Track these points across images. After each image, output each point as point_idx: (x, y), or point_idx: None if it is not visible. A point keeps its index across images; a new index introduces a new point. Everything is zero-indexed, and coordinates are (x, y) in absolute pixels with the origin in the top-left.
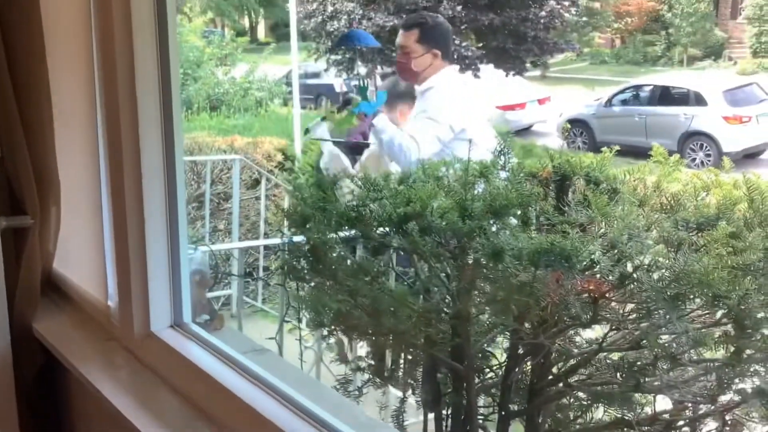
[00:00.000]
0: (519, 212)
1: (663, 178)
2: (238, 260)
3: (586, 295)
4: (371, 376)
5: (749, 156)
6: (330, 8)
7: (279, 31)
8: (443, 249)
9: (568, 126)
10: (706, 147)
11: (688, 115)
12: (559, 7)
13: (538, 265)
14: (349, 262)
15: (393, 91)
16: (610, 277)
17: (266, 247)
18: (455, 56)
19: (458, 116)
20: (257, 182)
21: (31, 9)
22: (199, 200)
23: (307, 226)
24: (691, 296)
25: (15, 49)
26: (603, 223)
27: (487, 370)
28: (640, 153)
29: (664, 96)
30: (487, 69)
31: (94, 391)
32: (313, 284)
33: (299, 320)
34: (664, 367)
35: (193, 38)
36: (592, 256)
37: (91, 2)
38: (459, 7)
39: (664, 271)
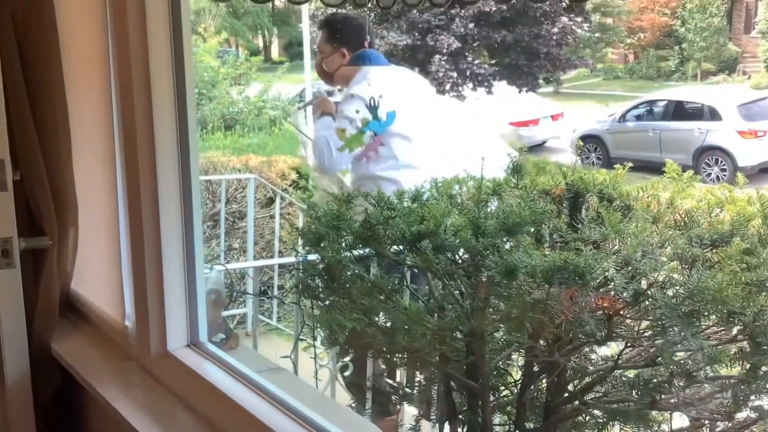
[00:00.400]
0: (532, 230)
1: (677, 194)
2: (253, 279)
3: (601, 312)
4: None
5: (765, 170)
6: None
7: (292, 50)
8: (457, 267)
9: (581, 143)
10: (721, 162)
11: (702, 129)
12: (571, 23)
13: (552, 283)
14: (363, 280)
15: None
16: (624, 294)
17: (281, 266)
18: (468, 74)
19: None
20: (272, 201)
21: (50, 37)
22: (214, 219)
23: (322, 244)
24: (706, 313)
25: (33, 73)
26: (616, 240)
27: (503, 387)
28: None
29: (678, 111)
30: (500, 86)
31: (111, 410)
32: (327, 302)
33: (314, 338)
34: (680, 384)
35: (208, 58)
36: (606, 273)
37: (108, 26)
38: (471, 25)
39: (678, 288)
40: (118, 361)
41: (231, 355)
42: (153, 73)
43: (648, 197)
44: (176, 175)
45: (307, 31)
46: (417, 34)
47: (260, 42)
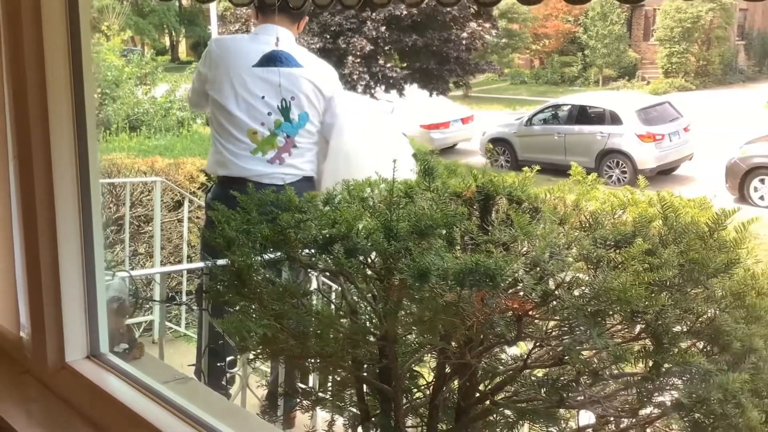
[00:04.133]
0: (444, 232)
1: (581, 196)
2: (160, 285)
3: (511, 313)
4: (299, 400)
5: (663, 172)
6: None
7: (200, 50)
8: (369, 270)
9: (491, 146)
10: (622, 164)
11: (604, 133)
12: (480, 29)
13: (464, 285)
14: (274, 284)
15: None
16: (533, 295)
17: (190, 271)
18: (380, 77)
19: None
20: (179, 204)
21: None
22: (119, 223)
23: (231, 249)
24: (611, 312)
25: None
26: (525, 242)
27: (415, 390)
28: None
29: (582, 115)
30: (412, 89)
31: (5, 426)
32: (237, 308)
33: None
34: (587, 382)
35: (112, 57)
36: (516, 275)
37: None
38: (383, 28)
39: (584, 288)
40: (13, 374)
41: (135, 366)
42: (49, 71)
43: (555, 199)
44: (74, 177)
45: (216, 31)
46: (329, 36)
47: (167, 41)
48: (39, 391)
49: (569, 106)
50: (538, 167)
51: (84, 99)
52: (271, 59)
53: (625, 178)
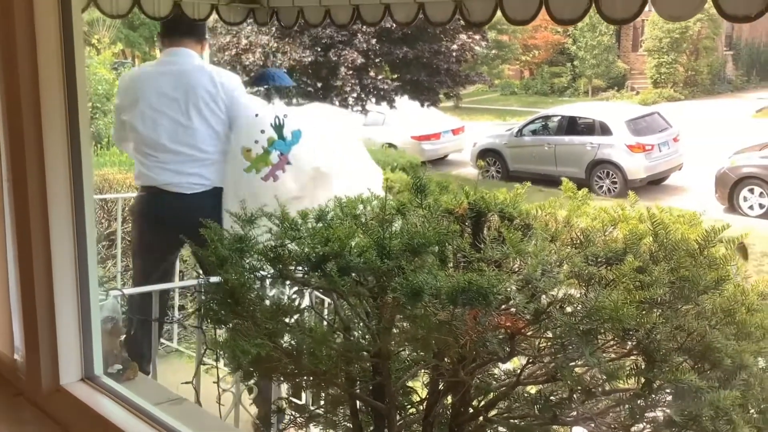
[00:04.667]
0: (437, 249)
1: (572, 212)
2: (154, 304)
3: (503, 331)
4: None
5: (653, 182)
6: (244, 41)
7: None
8: (363, 288)
9: (483, 163)
10: (612, 174)
11: (594, 144)
12: (470, 41)
13: (457, 304)
14: (267, 302)
15: None
16: (526, 313)
17: (182, 287)
18: (371, 89)
19: None
20: None
21: None
22: (110, 239)
23: (224, 267)
24: (603, 330)
25: None
26: (517, 259)
27: (409, 406)
28: (551, 181)
29: (572, 126)
30: (403, 100)
31: None
32: (230, 326)
33: (217, 360)
34: (579, 399)
35: (103, 70)
36: (508, 292)
37: None
38: (374, 41)
39: (576, 306)
40: (7, 396)
41: (128, 388)
42: (43, 86)
43: (546, 215)
44: (68, 195)
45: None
46: (320, 49)
47: (158, 54)
48: (33, 414)
49: (559, 117)
50: (529, 183)
51: (78, 114)
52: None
53: (616, 188)
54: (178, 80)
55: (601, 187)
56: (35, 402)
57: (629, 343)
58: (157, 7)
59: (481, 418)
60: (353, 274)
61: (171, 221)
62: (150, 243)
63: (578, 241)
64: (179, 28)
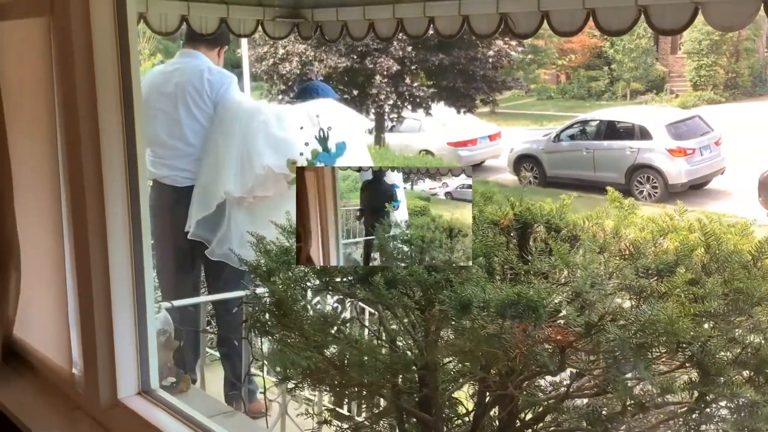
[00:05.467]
0: (483, 261)
1: (620, 222)
2: (201, 315)
3: (554, 344)
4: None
5: (695, 187)
6: (281, 51)
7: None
8: (409, 300)
9: (527, 174)
10: (653, 179)
11: (633, 148)
12: (506, 46)
13: (506, 317)
14: (314, 313)
15: None
16: (576, 326)
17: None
18: (407, 96)
19: None
20: None
21: None
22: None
23: (272, 279)
24: (656, 344)
25: None
26: (565, 271)
27: (456, 418)
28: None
29: (610, 130)
30: (439, 107)
31: None
32: (277, 337)
33: (263, 371)
34: (631, 413)
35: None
36: (557, 305)
37: (52, 60)
38: (409, 48)
39: (629, 319)
40: (65, 411)
41: (182, 400)
42: (101, 109)
43: (593, 226)
44: (125, 208)
45: (246, 54)
46: (356, 56)
47: None
48: (91, 428)
49: (597, 122)
50: (574, 194)
51: (135, 129)
52: None
53: (656, 193)
54: (174, 78)
55: (642, 192)
56: (93, 416)
57: (682, 355)
58: (204, 24)
59: (529, 431)
60: (399, 287)
61: (170, 213)
62: (160, 236)
63: (627, 253)
64: (196, 34)
